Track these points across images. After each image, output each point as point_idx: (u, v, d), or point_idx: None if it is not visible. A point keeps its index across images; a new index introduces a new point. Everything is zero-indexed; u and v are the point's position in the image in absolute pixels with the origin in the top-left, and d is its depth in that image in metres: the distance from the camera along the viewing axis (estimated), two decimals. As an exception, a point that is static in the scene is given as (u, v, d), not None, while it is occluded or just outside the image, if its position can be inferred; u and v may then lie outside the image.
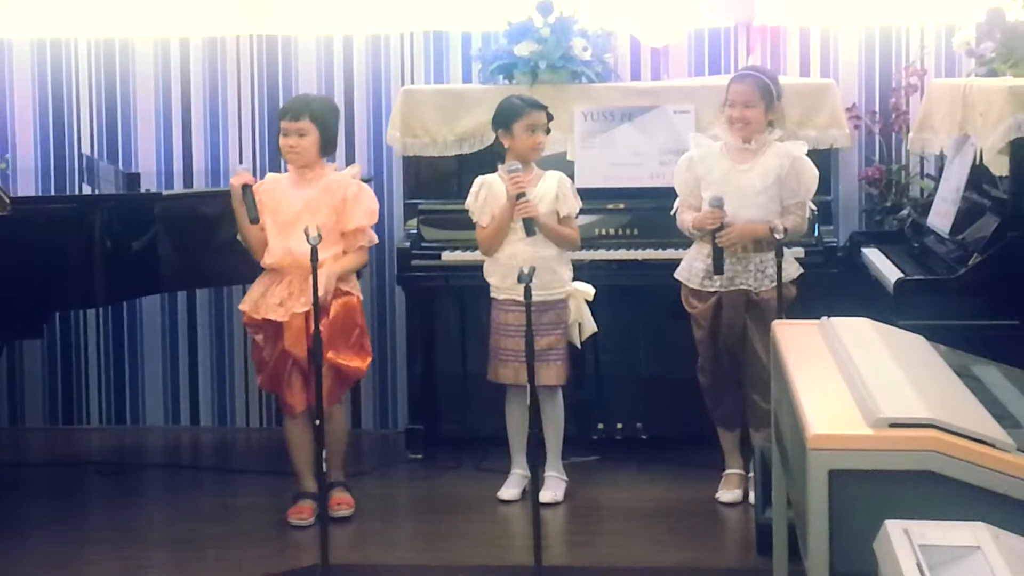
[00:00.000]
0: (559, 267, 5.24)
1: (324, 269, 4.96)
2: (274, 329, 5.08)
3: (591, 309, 5.31)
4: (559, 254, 5.25)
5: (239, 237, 5.15)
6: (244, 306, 5.16)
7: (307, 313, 4.94)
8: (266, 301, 5.08)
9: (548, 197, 5.24)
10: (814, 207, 5.34)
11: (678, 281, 5.30)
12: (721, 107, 5.26)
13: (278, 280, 5.09)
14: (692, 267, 5.25)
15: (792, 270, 5.20)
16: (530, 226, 5.17)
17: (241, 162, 6.30)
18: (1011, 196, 4.98)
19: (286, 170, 5.33)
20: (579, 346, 5.37)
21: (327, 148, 5.16)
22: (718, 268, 5.09)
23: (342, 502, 5.14)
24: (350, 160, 6.33)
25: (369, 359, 5.23)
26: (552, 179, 5.29)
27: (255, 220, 5.02)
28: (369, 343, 5.26)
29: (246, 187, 5.03)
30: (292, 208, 5.08)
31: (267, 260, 5.10)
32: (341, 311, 5.09)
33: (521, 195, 5.16)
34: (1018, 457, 2.73)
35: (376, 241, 5.29)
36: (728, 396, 5.27)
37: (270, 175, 5.31)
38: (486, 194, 5.28)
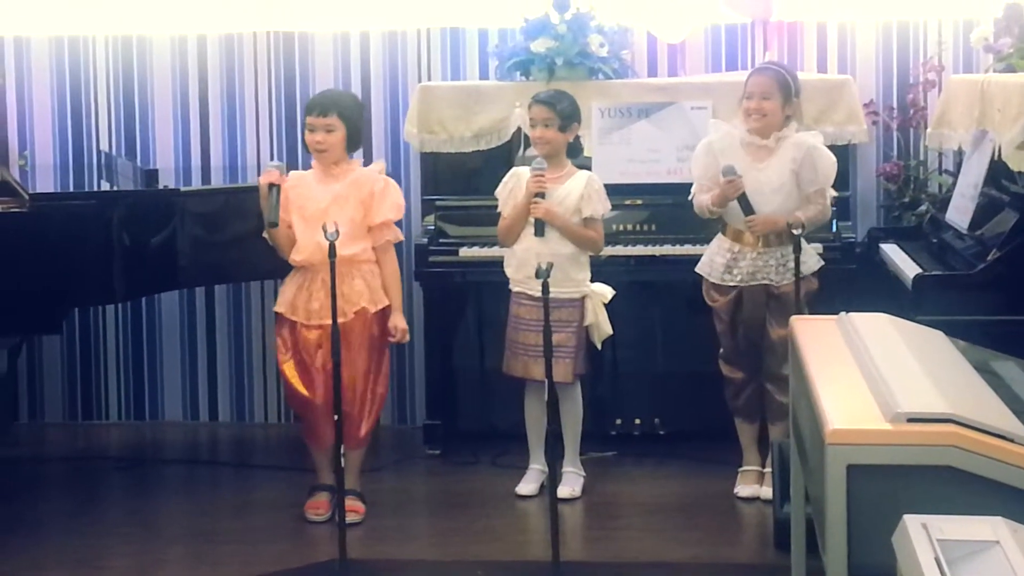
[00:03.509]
0: (572, 267, 5.22)
1: (395, 314, 5.10)
2: (311, 336, 5.07)
3: (609, 310, 5.30)
4: (575, 254, 5.24)
5: (265, 235, 5.12)
6: (280, 308, 5.11)
7: (343, 325, 4.91)
8: (302, 302, 5.06)
9: (572, 197, 5.24)
10: (836, 193, 5.34)
11: (697, 276, 5.31)
12: (739, 101, 5.26)
13: (311, 278, 5.06)
14: (713, 262, 5.26)
15: (813, 262, 5.22)
16: (540, 227, 5.18)
17: (272, 158, 6.28)
18: (1030, 192, 4.98)
19: (308, 166, 5.31)
20: (598, 347, 5.37)
21: (353, 144, 5.16)
22: (747, 210, 5.10)
23: (353, 509, 5.07)
24: (367, 157, 6.34)
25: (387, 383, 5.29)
26: (580, 179, 5.28)
27: (273, 224, 4.99)
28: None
29: (274, 187, 4.99)
30: (319, 204, 5.06)
31: (296, 257, 5.07)
32: (380, 339, 5.13)
33: (539, 194, 5.16)
34: (1037, 452, 2.73)
35: (402, 238, 5.27)
36: (749, 387, 5.28)
37: (294, 173, 5.25)
38: (513, 185, 5.30)
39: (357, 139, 5.19)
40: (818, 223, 5.26)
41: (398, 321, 5.12)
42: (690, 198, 5.32)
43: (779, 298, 5.14)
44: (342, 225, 4.73)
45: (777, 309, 5.13)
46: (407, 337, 5.18)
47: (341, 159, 5.13)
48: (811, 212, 5.16)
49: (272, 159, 6.29)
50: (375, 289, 5.08)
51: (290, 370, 5.09)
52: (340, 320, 4.88)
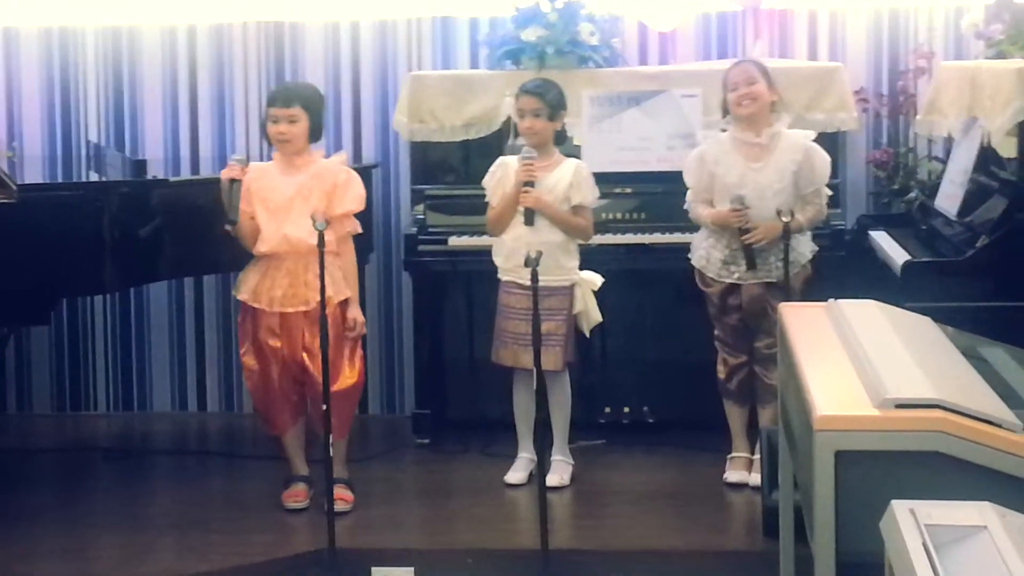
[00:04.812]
0: (562, 255, 5.22)
1: (352, 306, 5.06)
2: (272, 323, 5.06)
3: (598, 297, 5.29)
4: (565, 242, 5.24)
5: (227, 227, 5.03)
6: (244, 295, 5.10)
7: (305, 314, 4.93)
8: (265, 289, 5.04)
9: (561, 185, 5.23)
10: (830, 192, 5.34)
11: (686, 265, 5.30)
12: (721, 102, 5.25)
13: (274, 266, 5.04)
14: (710, 256, 5.24)
15: (808, 250, 5.25)
16: (529, 216, 5.17)
17: (248, 150, 6.27)
18: (1019, 178, 4.99)
19: (271, 158, 5.27)
20: (587, 335, 5.37)
21: (315, 135, 5.13)
22: (751, 264, 5.11)
23: (342, 497, 5.03)
24: (357, 147, 6.34)
25: (362, 366, 5.19)
26: (568, 167, 5.27)
27: (232, 222, 4.96)
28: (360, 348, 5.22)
29: (235, 182, 4.94)
30: (283, 195, 5.04)
31: (261, 248, 5.04)
32: (339, 329, 5.08)
33: (529, 183, 5.15)
34: (1024, 437, 2.73)
35: (360, 230, 5.21)
36: (742, 370, 5.27)
37: (255, 164, 5.16)
38: (501, 175, 5.29)
39: (319, 130, 5.17)
40: (816, 223, 5.27)
41: (356, 314, 5.10)
42: (685, 207, 5.31)
43: (777, 284, 5.12)
44: (307, 216, 4.73)
45: (777, 294, 5.10)
46: (364, 330, 5.17)
47: (303, 150, 5.10)
48: (809, 213, 5.17)
49: (257, 150, 6.27)
50: (337, 280, 5.04)
51: (250, 360, 5.11)
52: (304, 309, 4.92)
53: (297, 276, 4.99)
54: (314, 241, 4.67)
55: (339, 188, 5.06)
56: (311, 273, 4.90)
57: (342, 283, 5.07)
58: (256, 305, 5.06)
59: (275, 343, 5.04)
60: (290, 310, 5.00)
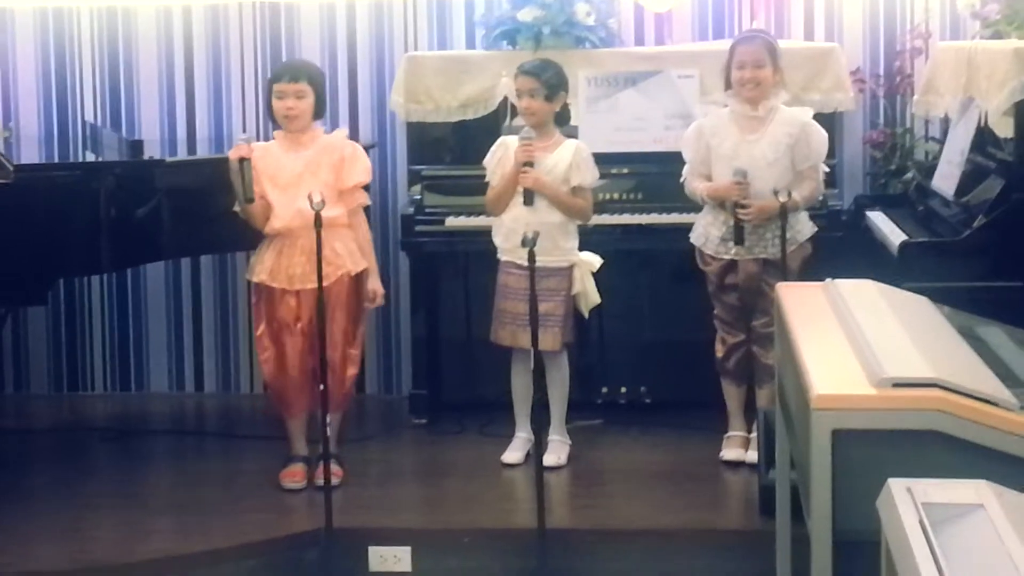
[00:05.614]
0: (560, 235, 5.22)
1: (372, 277, 5.13)
2: (290, 301, 5.06)
3: (595, 279, 5.29)
4: (564, 223, 5.23)
5: (237, 208, 5.07)
6: (260, 277, 5.09)
7: (326, 288, 4.90)
8: (283, 268, 5.05)
9: (561, 167, 5.22)
10: (827, 168, 5.34)
11: (685, 244, 5.30)
12: (723, 70, 5.24)
13: (290, 244, 5.05)
14: (708, 234, 5.24)
15: (807, 229, 5.23)
16: (529, 196, 5.16)
17: (245, 130, 6.28)
18: (1016, 158, 4.98)
19: (271, 138, 5.27)
20: (586, 316, 5.37)
21: (320, 112, 5.15)
22: (739, 239, 5.10)
23: (332, 473, 5.07)
24: (354, 127, 6.32)
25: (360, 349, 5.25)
26: (568, 148, 5.26)
27: (249, 200, 4.97)
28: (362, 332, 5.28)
29: (244, 162, 4.96)
30: (292, 171, 5.05)
31: (276, 224, 5.04)
32: (357, 302, 5.14)
33: (528, 163, 5.15)
34: (1022, 416, 2.73)
35: (369, 202, 5.25)
36: (740, 349, 5.27)
37: (257, 145, 5.15)
38: (501, 155, 5.28)
39: (323, 107, 5.19)
40: (812, 200, 5.26)
41: (376, 285, 5.15)
42: (681, 180, 5.31)
43: (775, 263, 5.12)
44: (317, 191, 4.73)
45: (774, 274, 5.11)
46: (383, 301, 5.22)
47: (308, 127, 5.11)
48: (805, 190, 5.16)
49: (253, 130, 6.27)
50: (353, 252, 5.08)
51: (267, 342, 5.12)
52: (325, 284, 4.91)
53: (314, 252, 4.98)
54: (329, 214, 4.74)
55: (347, 161, 5.08)
56: (327, 248, 4.88)
57: (357, 255, 5.09)
58: (275, 285, 5.06)
59: (294, 321, 5.05)
60: (310, 287, 4.96)
